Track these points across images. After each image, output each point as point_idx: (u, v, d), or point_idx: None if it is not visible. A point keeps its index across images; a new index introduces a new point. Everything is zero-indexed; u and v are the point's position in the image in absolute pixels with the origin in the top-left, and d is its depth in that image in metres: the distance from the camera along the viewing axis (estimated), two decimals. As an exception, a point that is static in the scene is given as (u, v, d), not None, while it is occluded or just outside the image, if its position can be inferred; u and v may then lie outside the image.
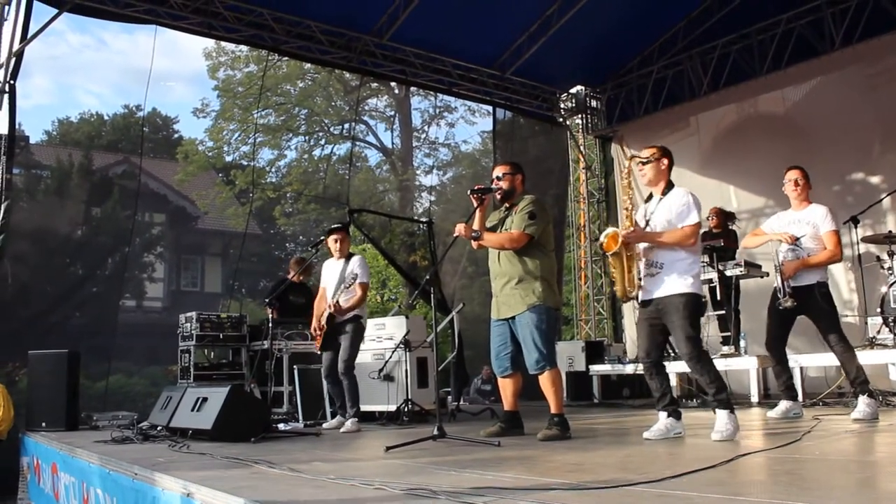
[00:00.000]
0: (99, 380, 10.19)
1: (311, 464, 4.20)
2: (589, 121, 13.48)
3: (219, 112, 24.96)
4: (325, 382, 7.11)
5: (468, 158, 26.26)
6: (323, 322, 6.88)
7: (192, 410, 6.14)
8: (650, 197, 5.22)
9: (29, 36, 8.41)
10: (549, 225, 5.59)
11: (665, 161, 5.13)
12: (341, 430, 6.62)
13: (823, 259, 5.94)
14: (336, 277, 7.01)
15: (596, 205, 13.52)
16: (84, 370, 8.36)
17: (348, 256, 7.13)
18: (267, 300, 7.57)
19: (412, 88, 21.35)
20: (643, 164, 5.06)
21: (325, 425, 7.00)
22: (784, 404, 6.13)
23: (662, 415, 5.05)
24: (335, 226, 7.28)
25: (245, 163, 24.38)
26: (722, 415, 4.76)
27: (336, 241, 7.10)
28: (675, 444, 4.77)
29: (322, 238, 7.20)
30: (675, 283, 4.86)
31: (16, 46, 8.29)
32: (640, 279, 4.97)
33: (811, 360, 7.61)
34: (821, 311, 5.88)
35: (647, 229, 5.00)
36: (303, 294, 8.84)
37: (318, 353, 7.14)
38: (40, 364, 7.74)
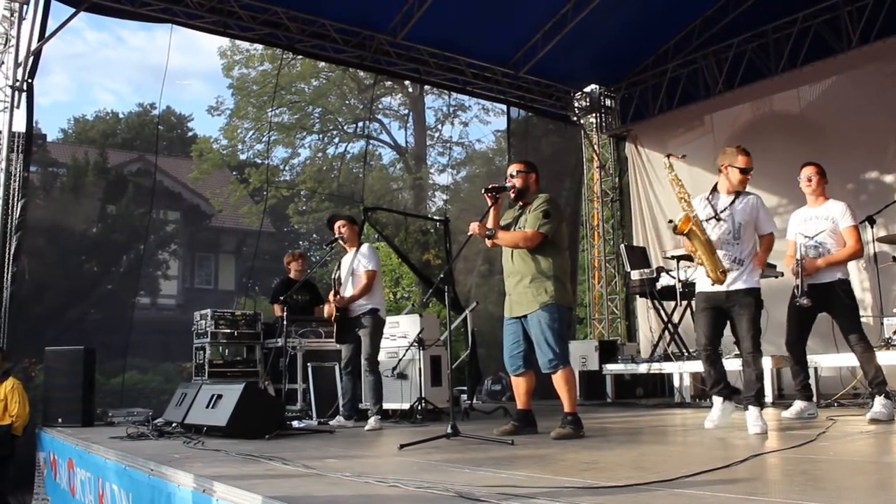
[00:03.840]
0: (114, 376, 10.25)
1: (325, 461, 4.22)
2: (603, 120, 13.47)
3: (233, 110, 25.04)
4: (338, 375, 7.11)
5: (482, 157, 26.22)
6: (331, 318, 6.92)
7: (207, 407, 6.17)
8: (714, 190, 5.57)
9: (47, 34, 8.48)
10: (562, 224, 5.59)
11: None
12: (366, 427, 6.59)
13: (845, 256, 5.92)
14: (346, 269, 7.06)
15: (610, 204, 13.49)
16: (99, 367, 8.41)
17: (358, 246, 7.16)
18: (282, 298, 7.59)
19: (426, 87, 21.34)
20: (749, 175, 5.54)
21: (331, 423, 7.02)
22: (799, 404, 6.10)
23: (718, 399, 5.54)
24: (336, 213, 7.31)
25: (259, 161, 24.47)
26: (755, 410, 5.10)
27: (338, 229, 7.14)
28: (689, 444, 4.77)
29: (335, 238, 7.21)
30: (751, 279, 5.28)
31: (34, 45, 8.35)
32: (725, 267, 5.25)
33: (825, 361, 7.56)
34: (842, 309, 5.84)
35: (726, 224, 5.37)
36: (307, 291, 8.85)
37: (337, 344, 7.19)
38: (56, 360, 7.80)
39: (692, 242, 5.30)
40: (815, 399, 6.44)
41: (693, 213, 5.33)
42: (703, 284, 5.43)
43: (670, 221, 5.44)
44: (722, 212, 5.40)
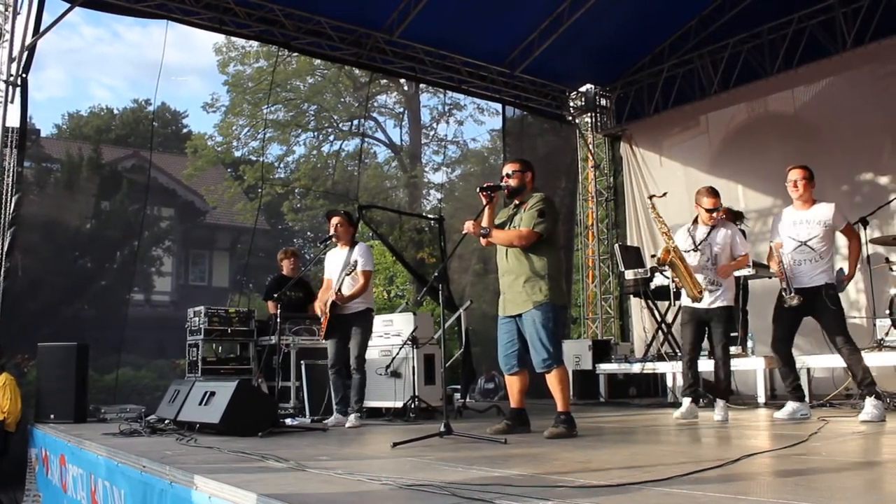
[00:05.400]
0: (107, 372, 10.22)
1: (319, 459, 4.22)
2: (598, 119, 13.47)
3: (228, 107, 25.02)
4: (330, 374, 7.09)
5: (477, 156, 26.25)
6: (326, 309, 6.89)
7: (200, 404, 6.16)
8: (695, 221, 6.52)
9: (42, 29, 8.44)
10: (557, 223, 5.59)
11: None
12: (346, 424, 6.62)
13: (858, 255, 6.19)
14: (339, 266, 7.01)
15: (604, 203, 13.50)
16: (92, 363, 8.38)
17: (352, 245, 7.12)
18: (275, 295, 7.56)
19: (421, 85, 21.33)
20: (714, 214, 6.40)
21: (326, 422, 7.00)
22: (791, 405, 6.12)
23: (687, 400, 6.50)
24: (334, 209, 7.28)
25: (254, 158, 24.42)
26: (722, 403, 6.25)
27: (335, 226, 7.09)
28: (682, 443, 4.78)
29: (331, 236, 7.18)
30: (724, 298, 6.31)
31: (28, 40, 8.31)
32: (703, 287, 6.26)
33: (818, 362, 7.59)
34: (827, 313, 5.89)
35: (705, 253, 6.34)
36: (301, 288, 8.84)
37: (323, 341, 7.16)
38: (49, 356, 7.78)
39: (672, 270, 6.37)
40: (807, 400, 6.46)
41: (673, 245, 6.31)
42: (688, 300, 6.40)
43: (653, 256, 6.40)
44: (700, 243, 6.35)
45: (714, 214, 6.38)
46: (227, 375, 8.15)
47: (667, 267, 6.45)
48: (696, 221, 6.51)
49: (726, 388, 6.33)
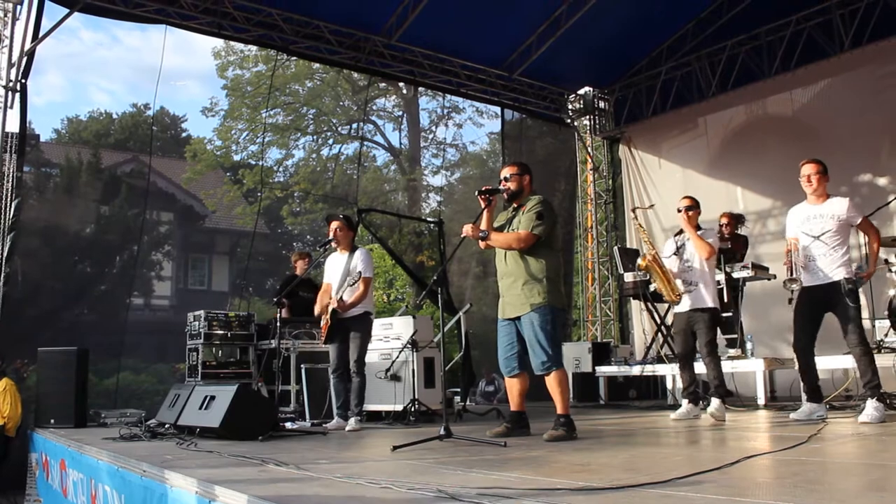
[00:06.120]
0: (107, 377, 10.23)
1: (319, 462, 4.22)
2: (597, 122, 13.50)
3: (227, 111, 25.00)
4: (331, 378, 7.09)
5: (476, 159, 26.25)
6: (327, 317, 6.89)
7: (200, 408, 6.16)
8: (680, 232, 6.88)
9: (41, 35, 8.46)
10: (556, 225, 5.59)
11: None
12: (346, 428, 6.63)
13: (878, 247, 6.16)
14: (340, 271, 7.01)
15: (603, 206, 13.52)
16: (93, 367, 8.40)
17: (352, 250, 7.12)
18: (276, 299, 7.56)
19: (420, 89, 21.35)
20: (682, 212, 6.73)
21: (326, 426, 7.00)
22: (808, 406, 6.07)
23: (685, 402, 6.73)
24: (334, 213, 7.30)
25: (253, 162, 24.39)
26: (717, 402, 6.36)
27: (334, 230, 7.08)
28: (681, 445, 4.77)
29: (329, 240, 7.17)
30: (704, 298, 6.55)
31: (27, 45, 8.33)
32: (680, 291, 6.63)
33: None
34: (845, 308, 5.77)
35: (685, 256, 6.72)
36: (311, 289, 8.84)
37: (324, 345, 7.16)
38: (49, 361, 7.78)
39: (651, 275, 6.83)
40: (824, 401, 6.35)
41: (652, 253, 6.75)
42: (676, 308, 6.77)
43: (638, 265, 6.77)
44: (680, 247, 6.77)
45: (684, 214, 6.69)
46: (227, 379, 8.16)
47: (647, 273, 7.01)
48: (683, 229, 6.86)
49: (719, 387, 6.41)
